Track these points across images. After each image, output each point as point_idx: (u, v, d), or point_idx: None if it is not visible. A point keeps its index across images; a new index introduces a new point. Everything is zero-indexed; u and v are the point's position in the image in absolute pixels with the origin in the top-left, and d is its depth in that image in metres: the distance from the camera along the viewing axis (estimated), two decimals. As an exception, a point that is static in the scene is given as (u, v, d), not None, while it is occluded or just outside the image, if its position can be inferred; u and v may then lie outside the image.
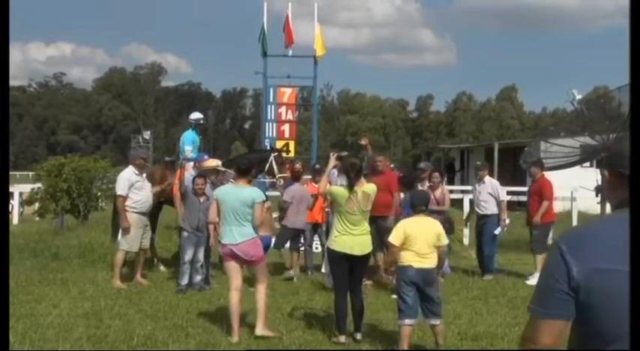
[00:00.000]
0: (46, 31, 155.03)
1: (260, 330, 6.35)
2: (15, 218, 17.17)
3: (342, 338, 6.31)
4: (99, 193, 15.06)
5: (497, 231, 10.11)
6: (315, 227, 10.22)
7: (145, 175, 9.34)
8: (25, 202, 17.42)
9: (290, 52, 16.50)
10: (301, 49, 17.49)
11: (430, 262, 5.91)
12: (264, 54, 16.37)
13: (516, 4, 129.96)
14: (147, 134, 71.13)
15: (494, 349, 6.25)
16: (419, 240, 5.86)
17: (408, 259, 5.88)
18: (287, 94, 16.36)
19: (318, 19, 16.74)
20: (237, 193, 6.47)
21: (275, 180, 10.59)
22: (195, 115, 11.40)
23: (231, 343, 6.24)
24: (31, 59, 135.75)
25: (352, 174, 6.39)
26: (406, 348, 5.86)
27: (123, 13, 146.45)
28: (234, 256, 6.46)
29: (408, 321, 5.86)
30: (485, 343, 6.37)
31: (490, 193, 10.24)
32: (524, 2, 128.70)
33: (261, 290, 6.50)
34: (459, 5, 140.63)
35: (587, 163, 17.73)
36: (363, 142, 10.10)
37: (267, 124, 16.26)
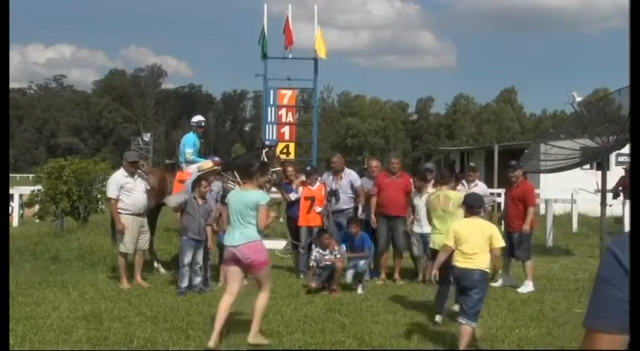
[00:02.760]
0: (46, 33, 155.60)
1: (252, 338, 6.20)
2: (15, 220, 17.16)
3: (438, 318, 7.08)
4: (99, 196, 15.04)
5: None
6: (311, 230, 10.21)
7: (137, 176, 9.29)
8: (25, 205, 17.42)
9: (290, 55, 16.48)
10: (301, 52, 17.47)
11: (476, 263, 5.95)
12: (264, 56, 16.36)
13: (516, 7, 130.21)
14: (147, 136, 71.16)
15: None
16: (468, 241, 6.00)
17: (455, 258, 6.08)
18: (287, 96, 16.34)
19: (318, 22, 16.70)
20: (241, 195, 6.38)
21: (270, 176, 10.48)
22: (197, 118, 11.45)
23: (230, 345, 6.23)
24: (31, 61, 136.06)
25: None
26: (478, 337, 6.11)
27: (123, 15, 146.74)
28: (235, 260, 6.30)
29: (463, 320, 6.02)
30: (486, 346, 6.37)
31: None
32: (524, 5, 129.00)
33: (261, 297, 6.33)
34: (459, 7, 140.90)
35: (587, 166, 17.75)
36: None
37: (267, 126, 16.25)
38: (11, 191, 17.56)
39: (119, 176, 9.23)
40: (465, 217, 6.35)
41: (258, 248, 6.31)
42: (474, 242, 5.99)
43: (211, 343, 6.05)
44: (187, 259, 8.70)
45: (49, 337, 6.34)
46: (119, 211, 9.10)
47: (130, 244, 9.11)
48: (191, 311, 7.57)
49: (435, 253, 6.99)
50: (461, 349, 5.92)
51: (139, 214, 9.23)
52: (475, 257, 5.96)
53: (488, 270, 6.03)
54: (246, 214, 6.23)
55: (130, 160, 9.38)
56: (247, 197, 6.28)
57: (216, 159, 10.35)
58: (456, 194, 7.53)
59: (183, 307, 7.80)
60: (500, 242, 6.11)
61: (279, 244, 12.20)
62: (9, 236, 7.35)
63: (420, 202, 9.73)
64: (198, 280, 8.74)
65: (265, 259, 6.42)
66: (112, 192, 9.13)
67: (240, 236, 6.23)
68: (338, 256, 8.95)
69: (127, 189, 9.10)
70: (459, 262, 6.03)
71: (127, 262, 9.16)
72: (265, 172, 6.77)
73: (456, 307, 6.68)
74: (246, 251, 6.20)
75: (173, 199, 8.84)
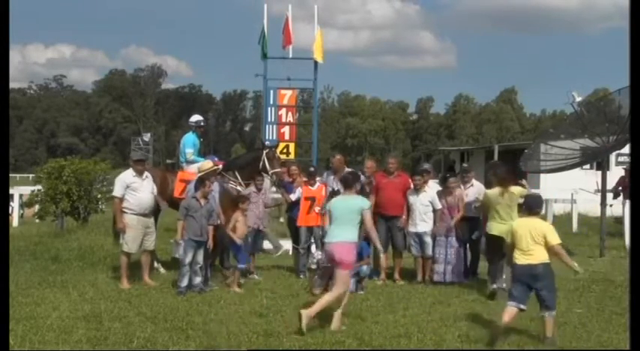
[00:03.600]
0: (46, 33, 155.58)
1: (334, 325, 6.81)
2: (15, 220, 17.18)
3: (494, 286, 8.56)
4: (99, 196, 15.07)
5: (474, 235, 9.81)
6: (310, 231, 10.21)
7: (144, 176, 9.33)
8: (25, 205, 17.43)
9: (290, 54, 16.47)
10: (301, 52, 17.45)
11: (534, 258, 6.45)
12: (264, 56, 16.36)
13: (516, 7, 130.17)
14: (147, 136, 71.24)
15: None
16: (524, 238, 6.51)
17: (516, 256, 6.57)
18: (287, 96, 16.34)
19: (318, 22, 16.69)
20: (345, 201, 7.28)
21: (269, 177, 10.54)
22: (195, 118, 11.45)
23: (231, 345, 6.23)
24: (31, 61, 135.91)
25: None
26: (506, 322, 6.39)
27: (122, 15, 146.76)
28: (330, 259, 7.09)
29: (511, 303, 6.48)
30: (486, 346, 6.35)
31: (477, 196, 9.90)
32: (524, 5, 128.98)
33: (332, 292, 6.97)
34: (459, 7, 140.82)
35: (587, 166, 17.74)
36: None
37: (267, 126, 16.25)
38: (11, 191, 17.56)
39: (126, 176, 9.27)
40: (525, 216, 6.82)
41: (349, 249, 7.02)
42: (530, 239, 6.47)
43: (334, 326, 6.75)
44: (187, 259, 8.70)
45: (49, 337, 6.34)
46: (124, 210, 9.12)
47: (133, 243, 9.12)
48: (191, 311, 7.56)
49: (490, 238, 8.77)
50: (548, 336, 6.40)
51: (144, 215, 9.24)
52: (533, 253, 6.46)
53: (549, 261, 6.49)
54: (348, 217, 7.09)
55: (134, 158, 9.54)
56: (352, 203, 7.20)
57: (216, 159, 10.35)
58: (519, 189, 8.73)
59: (183, 307, 7.79)
60: (554, 239, 6.49)
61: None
62: (9, 236, 7.37)
63: (416, 200, 9.74)
64: (198, 280, 8.73)
65: (351, 261, 7.06)
66: (117, 191, 9.16)
67: (337, 236, 7.04)
68: None
69: (132, 188, 9.12)
70: (519, 259, 6.51)
71: (129, 261, 9.15)
72: (358, 179, 7.90)
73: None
74: (337, 249, 6.97)
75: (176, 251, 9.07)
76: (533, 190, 10.37)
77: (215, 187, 9.58)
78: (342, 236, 7.01)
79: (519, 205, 8.25)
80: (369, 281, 9.39)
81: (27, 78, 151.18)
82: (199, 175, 9.27)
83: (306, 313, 6.60)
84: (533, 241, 6.47)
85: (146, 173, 9.40)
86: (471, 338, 6.54)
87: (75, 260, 10.63)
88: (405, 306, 8.03)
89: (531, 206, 6.79)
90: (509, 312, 6.44)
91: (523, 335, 6.68)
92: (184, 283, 8.63)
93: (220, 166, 10.09)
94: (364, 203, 7.25)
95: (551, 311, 6.49)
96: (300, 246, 10.28)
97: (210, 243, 8.99)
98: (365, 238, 9.73)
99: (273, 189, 11.32)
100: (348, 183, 7.53)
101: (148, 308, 7.67)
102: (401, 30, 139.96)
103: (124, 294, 8.45)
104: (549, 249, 6.47)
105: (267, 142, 11.63)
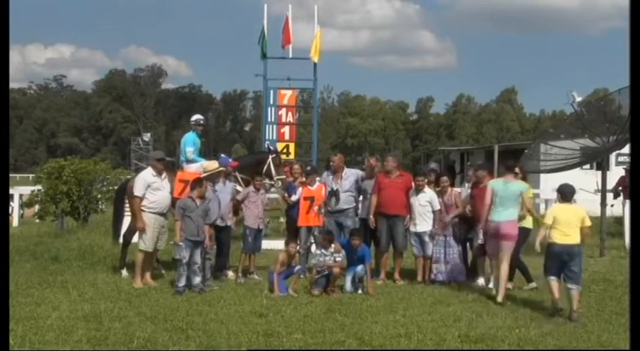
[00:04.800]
0: (46, 33, 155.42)
1: (500, 298, 8.13)
2: (15, 220, 17.18)
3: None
4: (99, 196, 15.08)
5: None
6: (310, 230, 10.21)
7: (164, 176, 9.37)
8: (25, 205, 17.43)
9: (290, 54, 16.50)
10: (301, 52, 17.49)
11: (572, 239, 7.52)
12: (264, 56, 16.39)
13: (516, 7, 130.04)
14: (147, 136, 71.18)
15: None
16: (563, 221, 7.54)
17: (554, 237, 7.55)
18: (287, 96, 16.39)
19: (318, 22, 16.73)
20: (506, 185, 8.53)
21: (273, 182, 10.59)
22: (195, 117, 11.51)
23: (231, 345, 6.23)
24: (31, 61, 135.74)
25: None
26: (557, 297, 7.49)
27: (122, 15, 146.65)
28: (495, 234, 8.38)
29: (552, 277, 7.56)
30: (486, 346, 6.36)
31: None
32: (524, 5, 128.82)
33: (503, 267, 8.36)
34: (459, 7, 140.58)
35: (587, 166, 17.75)
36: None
37: (267, 126, 16.30)
38: (11, 191, 17.56)
39: (147, 175, 9.32)
40: (560, 203, 7.84)
41: (513, 225, 8.43)
42: (571, 222, 7.52)
43: (499, 298, 8.16)
44: (185, 258, 8.71)
45: (49, 337, 6.34)
46: (142, 208, 9.16)
47: (151, 241, 9.16)
48: (191, 311, 7.57)
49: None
50: (575, 309, 7.31)
51: (161, 214, 9.30)
52: (571, 234, 7.50)
53: (580, 242, 7.54)
54: (509, 199, 8.41)
55: (157, 157, 9.55)
56: (512, 187, 8.50)
57: (230, 160, 10.34)
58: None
59: (183, 307, 7.79)
60: (589, 222, 7.62)
61: (279, 244, 12.17)
62: (9, 236, 7.37)
63: (415, 201, 9.73)
64: (197, 280, 8.73)
65: (515, 234, 8.44)
66: (138, 190, 9.17)
67: (502, 215, 8.36)
68: (338, 259, 8.95)
69: (153, 188, 9.19)
70: (559, 239, 7.50)
71: (145, 260, 9.16)
72: (517, 164, 9.10)
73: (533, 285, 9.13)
74: (503, 226, 8.34)
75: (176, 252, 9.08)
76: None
77: (228, 187, 9.59)
78: (507, 215, 8.36)
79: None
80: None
81: (27, 78, 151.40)
82: (204, 175, 9.28)
83: (500, 298, 8.09)
84: (573, 224, 7.49)
85: (164, 173, 9.44)
86: (470, 338, 6.54)
87: (75, 260, 10.63)
88: (405, 306, 8.03)
89: (566, 194, 7.77)
90: (555, 286, 7.49)
91: (523, 332, 6.69)
92: (182, 282, 8.64)
93: (231, 168, 10.08)
94: (524, 187, 8.59)
95: (578, 285, 7.46)
96: (300, 246, 10.27)
97: (207, 242, 8.99)
98: (365, 229, 9.78)
99: (273, 189, 11.33)
100: (509, 168, 8.72)
101: (148, 308, 7.67)
102: (401, 30, 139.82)
103: (123, 294, 8.45)
104: (581, 230, 7.50)
105: (270, 146, 11.65)
